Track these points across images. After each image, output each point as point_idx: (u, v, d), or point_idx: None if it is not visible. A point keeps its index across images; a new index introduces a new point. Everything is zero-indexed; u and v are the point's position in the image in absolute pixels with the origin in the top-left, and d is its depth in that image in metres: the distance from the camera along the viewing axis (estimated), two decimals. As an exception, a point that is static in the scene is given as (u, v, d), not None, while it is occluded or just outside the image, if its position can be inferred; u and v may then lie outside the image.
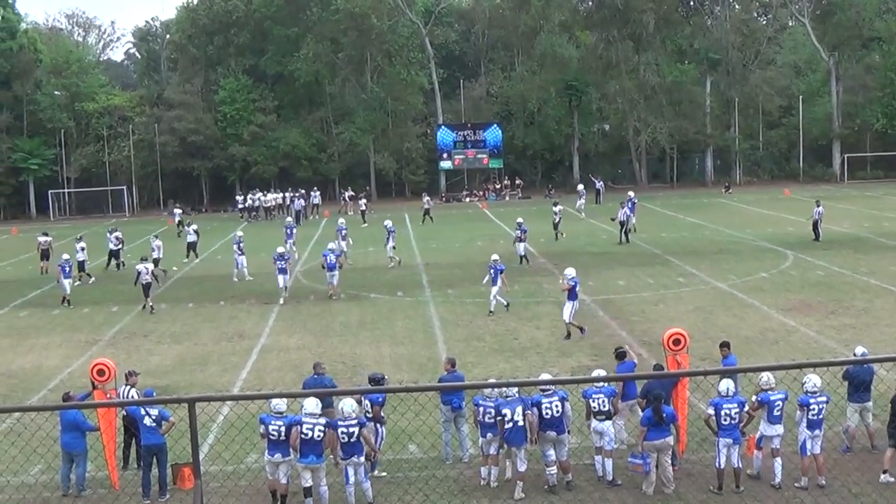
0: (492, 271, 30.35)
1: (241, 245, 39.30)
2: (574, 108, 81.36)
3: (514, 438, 16.22)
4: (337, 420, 15.86)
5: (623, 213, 45.93)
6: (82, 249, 41.16)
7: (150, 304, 33.78)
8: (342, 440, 15.72)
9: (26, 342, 29.71)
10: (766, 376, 16.36)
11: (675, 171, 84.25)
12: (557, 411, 16.31)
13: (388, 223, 43.27)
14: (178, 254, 46.40)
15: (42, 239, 44.44)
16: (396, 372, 23.98)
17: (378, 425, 17.04)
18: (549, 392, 16.36)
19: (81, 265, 40.48)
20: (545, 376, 18.43)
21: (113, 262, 43.90)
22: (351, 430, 15.74)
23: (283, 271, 33.99)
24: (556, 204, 49.55)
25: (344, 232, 43.03)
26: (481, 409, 16.56)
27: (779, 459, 16.08)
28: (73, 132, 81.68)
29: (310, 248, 45.64)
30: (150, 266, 36.02)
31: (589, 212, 60.02)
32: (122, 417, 17.80)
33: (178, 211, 63.44)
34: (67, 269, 35.42)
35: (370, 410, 16.98)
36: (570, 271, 27.18)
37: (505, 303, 30.41)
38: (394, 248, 42.06)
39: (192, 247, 45.89)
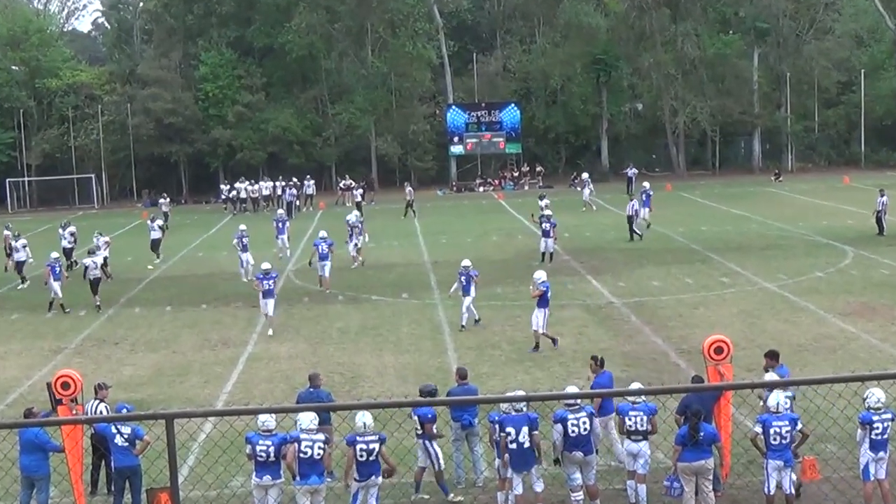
0: (462, 279, 29.49)
1: (245, 240, 39.25)
2: (602, 86, 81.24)
3: (519, 462, 16.14)
4: (354, 435, 15.87)
5: (631, 207, 45.75)
6: (71, 234, 41.99)
7: (98, 301, 34.80)
8: (360, 458, 15.76)
9: (-18, 351, 29.79)
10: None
11: (717, 157, 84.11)
12: (585, 429, 16.27)
13: (351, 217, 42.91)
14: (163, 251, 46.40)
15: (7, 233, 44.62)
16: (401, 384, 23.97)
17: (430, 444, 17.11)
18: (576, 407, 16.32)
19: (105, 260, 40.39)
20: (571, 389, 18.38)
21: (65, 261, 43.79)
22: (371, 446, 15.77)
23: (269, 294, 30.44)
24: (542, 197, 48.41)
25: (360, 227, 42.37)
26: (497, 426, 16.53)
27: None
28: (33, 113, 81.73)
29: (303, 244, 45.68)
30: (99, 260, 36.71)
31: (619, 203, 59.81)
32: (90, 436, 17.80)
33: (164, 201, 63.23)
34: (57, 269, 35.08)
35: (420, 428, 17.06)
36: (541, 274, 27.13)
37: (476, 317, 29.75)
38: (357, 247, 41.48)
39: (154, 245, 45.54)
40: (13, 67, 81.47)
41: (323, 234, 38.43)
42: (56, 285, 34.69)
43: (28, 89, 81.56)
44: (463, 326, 29.36)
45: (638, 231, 45.38)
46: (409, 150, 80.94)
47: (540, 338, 26.55)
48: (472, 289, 29.38)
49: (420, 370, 25.40)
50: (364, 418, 15.91)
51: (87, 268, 36.30)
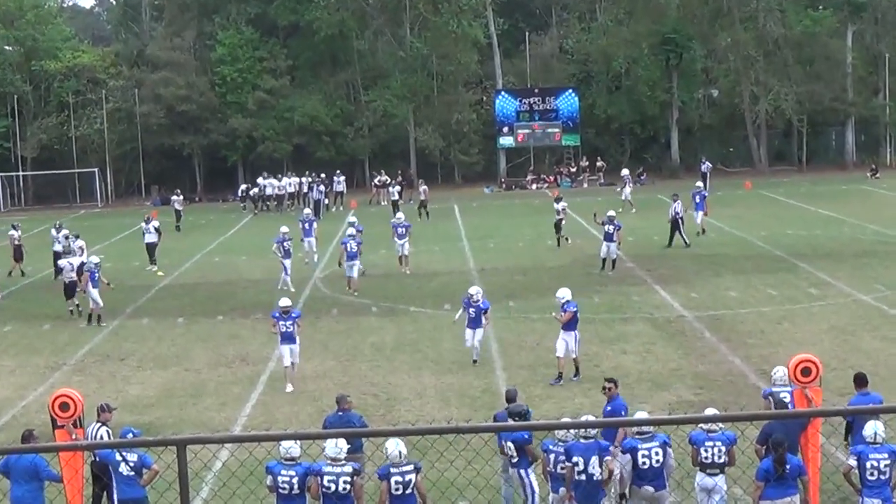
0: (471, 311, 27.81)
1: (289, 245, 39.21)
2: (673, 69, 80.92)
3: (587, 497, 16.11)
4: (388, 467, 15.85)
5: (673, 210, 45.26)
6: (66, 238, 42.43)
7: (75, 305, 35.41)
8: (395, 491, 15.76)
9: (-29, 367, 30.02)
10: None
11: (804, 150, 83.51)
12: (657, 461, 16.20)
13: (400, 217, 42.94)
14: (175, 255, 46.69)
15: (14, 234, 44.96)
16: (443, 407, 23.95)
17: (527, 474, 17.11)
18: (648, 435, 16.26)
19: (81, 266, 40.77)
20: (642, 414, 18.29)
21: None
22: (407, 478, 15.79)
23: (288, 338, 26.79)
24: (558, 200, 47.69)
25: (402, 229, 42.26)
26: (552, 456, 16.48)
27: None
28: (28, 99, 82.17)
29: (331, 248, 45.72)
30: (76, 262, 37.00)
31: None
32: (90, 464, 17.87)
33: (176, 199, 62.75)
34: (97, 275, 34.90)
35: (514, 454, 17.06)
36: (564, 293, 26.52)
37: (475, 357, 28.02)
38: (405, 254, 41.59)
39: (150, 249, 45.42)
40: (6, 48, 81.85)
41: (351, 230, 38.83)
42: (95, 293, 34.42)
43: (23, 72, 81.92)
44: (475, 360, 27.94)
45: (674, 236, 44.97)
46: (453, 142, 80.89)
47: (565, 366, 26.07)
48: (483, 320, 27.79)
49: (464, 392, 25.37)
50: (398, 447, 15.89)
51: (62, 269, 36.75)
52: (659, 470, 16.26)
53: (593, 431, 16.20)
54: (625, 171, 63.31)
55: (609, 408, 18.72)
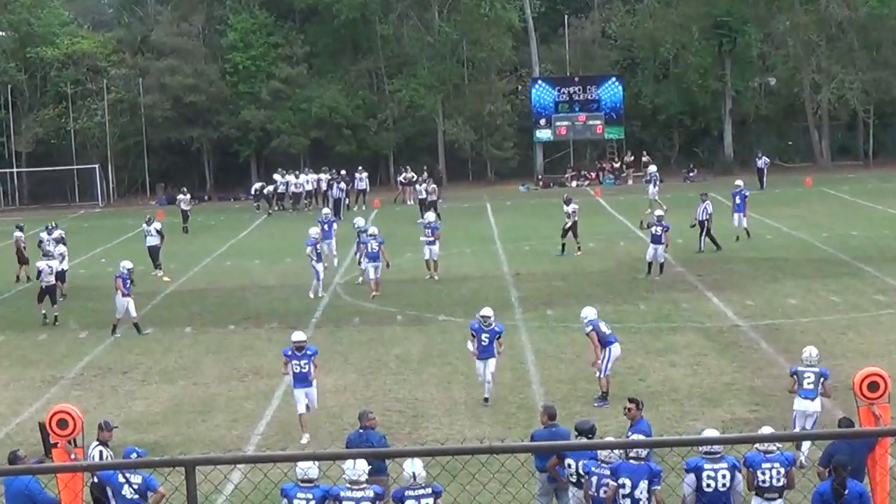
0: (483, 338, 26.06)
1: (320, 248, 39.49)
2: (726, 55, 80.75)
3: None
4: (404, 490, 15.88)
5: (703, 211, 44.87)
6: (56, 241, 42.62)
7: (51, 312, 36.05)
8: (412, 516, 15.81)
9: (-39, 380, 30.16)
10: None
11: (870, 143, 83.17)
12: (723, 484, 16.15)
13: (360, 221, 42.94)
14: (183, 259, 46.83)
15: (20, 235, 45.14)
16: (475, 425, 23.96)
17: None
18: (716, 456, 16.22)
19: (62, 273, 40.86)
20: (711, 433, 18.19)
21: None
22: (424, 501, 15.78)
23: (302, 380, 24.71)
24: (568, 202, 46.56)
25: (429, 231, 42.15)
26: (594, 479, 16.47)
27: None
28: (23, 89, 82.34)
29: (352, 250, 45.78)
30: (55, 264, 37.41)
31: (749, 200, 59.30)
32: (90, 486, 17.93)
33: (183, 198, 62.41)
34: (129, 281, 34.73)
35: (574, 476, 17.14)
36: (589, 312, 26.24)
37: (487, 394, 26.26)
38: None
39: (152, 253, 45.54)
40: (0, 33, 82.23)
41: (373, 230, 39.31)
42: (127, 301, 34.36)
43: (17, 60, 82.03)
44: (486, 399, 26.16)
45: (705, 240, 44.61)
46: (485, 135, 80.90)
47: (604, 385, 25.88)
48: (496, 348, 26.19)
49: (498, 407, 25.38)
50: (414, 467, 15.91)
51: (40, 271, 36.96)
52: (726, 495, 16.17)
53: (644, 452, 16.17)
54: (652, 168, 63.18)
55: (631, 432, 18.58)
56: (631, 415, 18.83)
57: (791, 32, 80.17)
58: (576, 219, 45.34)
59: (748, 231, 47.18)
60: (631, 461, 16.15)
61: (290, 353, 24.58)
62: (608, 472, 16.35)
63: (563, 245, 45.81)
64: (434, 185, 61.60)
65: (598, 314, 27.86)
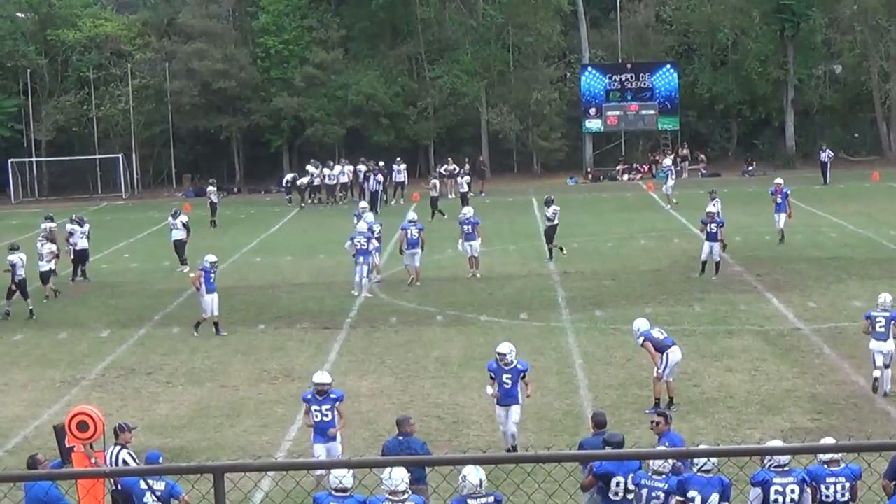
0: (504, 379, 23.09)
1: (361, 244, 39.45)
2: (788, 41, 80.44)
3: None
4: (464, 498, 15.89)
5: (715, 212, 44.29)
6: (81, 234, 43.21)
7: (13, 307, 36.50)
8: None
9: (-23, 381, 30.34)
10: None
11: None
12: (792, 499, 16.09)
13: (370, 217, 42.60)
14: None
15: (51, 225, 45.18)
16: (519, 432, 23.92)
17: None
18: (785, 469, 16.16)
19: (48, 273, 40.92)
20: (775, 443, 18.13)
21: (79, 267, 44.32)
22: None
23: (322, 433, 21.83)
24: (549, 203, 45.39)
25: (468, 227, 41.89)
26: (645, 490, 16.44)
27: None
28: (44, 74, 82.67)
29: (389, 247, 45.80)
30: (25, 257, 37.71)
31: (811, 196, 59.23)
32: (111, 493, 18.00)
33: (212, 190, 61.82)
34: (213, 276, 34.65)
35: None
36: (641, 324, 25.80)
37: (513, 441, 23.23)
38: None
39: (178, 247, 45.76)
40: (18, 15, 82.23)
41: (412, 215, 39.54)
42: (210, 298, 34.26)
43: (38, 43, 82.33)
44: (512, 447, 23.11)
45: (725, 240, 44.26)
46: (531, 125, 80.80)
47: (668, 390, 25.70)
48: (520, 395, 23.29)
49: (543, 414, 25.35)
50: (479, 474, 15.91)
51: (13, 265, 37.17)
52: (795, 512, 16.12)
53: (711, 465, 16.10)
54: (667, 161, 63.05)
55: (670, 438, 18.53)
56: (658, 429, 18.66)
57: (858, 17, 79.83)
58: (556, 222, 44.53)
59: (783, 234, 46.05)
60: (700, 474, 16.07)
61: (309, 397, 22.03)
62: (662, 485, 16.31)
63: (551, 251, 44.74)
64: (468, 177, 61.60)
65: (650, 316, 27.75)
